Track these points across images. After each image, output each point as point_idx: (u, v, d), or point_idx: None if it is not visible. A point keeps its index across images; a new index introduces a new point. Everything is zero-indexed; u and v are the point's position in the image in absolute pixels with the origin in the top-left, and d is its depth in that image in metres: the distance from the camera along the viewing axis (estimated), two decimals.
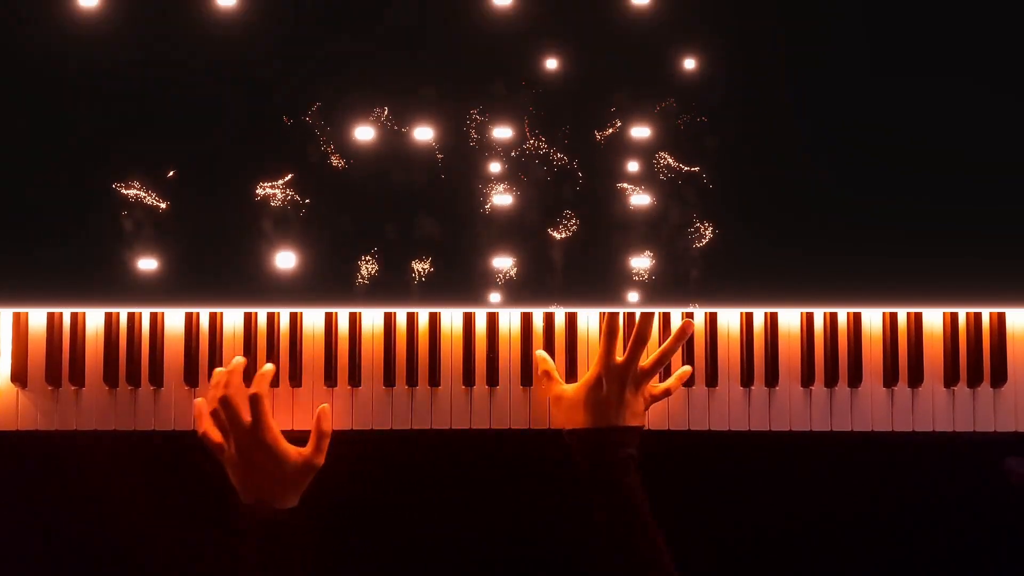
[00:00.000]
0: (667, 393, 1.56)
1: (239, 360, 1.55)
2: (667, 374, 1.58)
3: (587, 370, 1.56)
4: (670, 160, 1.55)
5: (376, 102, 1.54)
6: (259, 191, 1.53)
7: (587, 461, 1.49)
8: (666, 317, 1.59)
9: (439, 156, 1.54)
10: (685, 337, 1.54)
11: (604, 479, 1.47)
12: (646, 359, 1.54)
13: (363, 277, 1.53)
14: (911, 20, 1.55)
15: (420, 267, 1.53)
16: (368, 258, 1.53)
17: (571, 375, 1.58)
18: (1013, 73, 1.55)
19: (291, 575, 1.44)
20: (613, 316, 1.53)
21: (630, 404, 1.51)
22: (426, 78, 1.54)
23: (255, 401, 1.49)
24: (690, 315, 1.57)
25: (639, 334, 1.52)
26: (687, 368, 1.58)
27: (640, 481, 1.48)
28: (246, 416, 1.49)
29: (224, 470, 1.50)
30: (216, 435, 1.50)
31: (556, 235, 1.54)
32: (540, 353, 1.58)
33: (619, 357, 1.53)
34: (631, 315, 1.57)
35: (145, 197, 1.52)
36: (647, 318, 1.53)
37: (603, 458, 1.48)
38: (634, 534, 1.45)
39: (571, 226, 1.54)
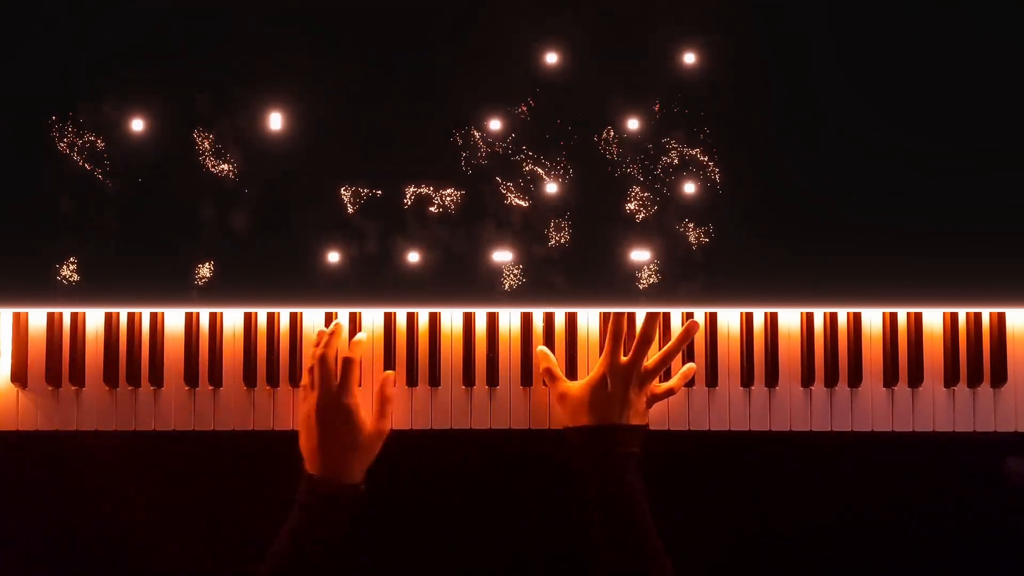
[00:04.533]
0: (670, 392, 1.56)
1: (339, 324, 1.57)
2: (668, 375, 1.58)
3: (587, 370, 1.56)
4: (670, 160, 1.55)
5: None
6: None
7: (589, 458, 1.49)
8: (666, 317, 1.59)
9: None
10: (689, 337, 1.56)
11: (605, 476, 1.48)
12: (649, 359, 1.54)
13: (361, 277, 1.54)
14: (911, 20, 1.55)
15: (416, 266, 1.53)
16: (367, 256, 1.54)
17: (571, 375, 1.58)
18: (1012, 72, 1.55)
19: (327, 554, 1.45)
20: (619, 316, 1.54)
21: (633, 403, 1.52)
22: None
23: (347, 364, 1.53)
24: (690, 314, 1.58)
25: (644, 334, 1.53)
26: (691, 365, 1.58)
27: (641, 480, 1.48)
28: (334, 379, 1.52)
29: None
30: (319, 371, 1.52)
31: (557, 235, 1.55)
32: (541, 349, 1.59)
33: (624, 357, 1.53)
34: (632, 316, 1.58)
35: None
36: (652, 318, 1.53)
37: (605, 456, 1.48)
38: (634, 531, 1.45)
39: (572, 226, 1.55)
